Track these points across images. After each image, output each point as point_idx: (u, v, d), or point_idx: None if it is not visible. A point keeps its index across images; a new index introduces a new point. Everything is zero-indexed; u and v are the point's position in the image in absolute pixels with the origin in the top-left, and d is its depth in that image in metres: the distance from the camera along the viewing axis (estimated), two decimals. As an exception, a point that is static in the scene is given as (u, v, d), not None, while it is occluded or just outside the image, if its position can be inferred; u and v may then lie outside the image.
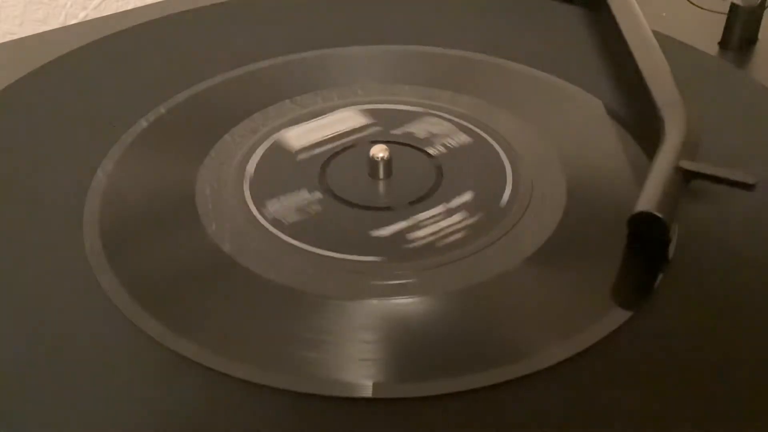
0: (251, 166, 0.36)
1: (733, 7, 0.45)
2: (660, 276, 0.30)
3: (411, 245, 0.32)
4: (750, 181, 0.31)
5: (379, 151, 0.35)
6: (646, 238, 0.31)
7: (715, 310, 0.29)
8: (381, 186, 0.35)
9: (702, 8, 0.50)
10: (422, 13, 0.49)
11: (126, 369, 0.27)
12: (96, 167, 0.36)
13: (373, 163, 0.35)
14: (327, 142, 0.38)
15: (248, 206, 0.34)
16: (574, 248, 0.32)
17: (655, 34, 0.42)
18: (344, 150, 0.37)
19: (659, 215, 0.30)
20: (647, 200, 0.31)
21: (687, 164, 0.32)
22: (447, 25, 0.47)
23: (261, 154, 0.37)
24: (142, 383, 0.27)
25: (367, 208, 0.34)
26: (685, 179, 0.32)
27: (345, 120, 0.38)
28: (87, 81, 0.42)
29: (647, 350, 0.28)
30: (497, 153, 0.37)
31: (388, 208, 0.34)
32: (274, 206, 0.34)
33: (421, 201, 0.34)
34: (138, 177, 0.36)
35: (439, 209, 0.34)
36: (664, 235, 0.31)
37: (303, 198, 0.34)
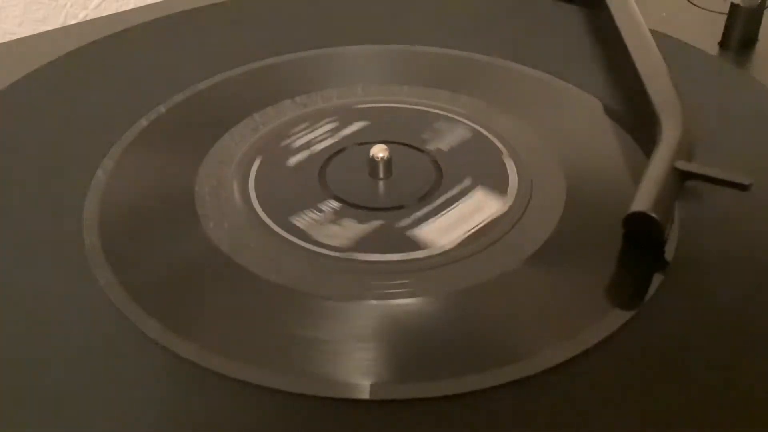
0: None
1: (733, 7, 0.45)
2: (659, 277, 0.30)
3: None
4: (745, 181, 0.31)
5: (379, 151, 0.35)
6: (642, 238, 0.31)
7: (714, 310, 0.29)
8: (381, 186, 0.35)
9: (702, 8, 0.50)
10: (422, 13, 0.49)
11: (125, 369, 0.27)
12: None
13: (373, 163, 0.35)
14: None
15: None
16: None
17: (655, 34, 0.42)
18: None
19: (654, 215, 0.30)
20: (642, 201, 0.31)
21: (683, 165, 0.32)
22: (447, 25, 0.47)
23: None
24: (141, 383, 0.27)
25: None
26: (680, 180, 0.32)
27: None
28: (87, 81, 0.42)
29: (647, 351, 0.28)
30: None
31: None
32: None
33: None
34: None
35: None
36: (659, 235, 0.31)
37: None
